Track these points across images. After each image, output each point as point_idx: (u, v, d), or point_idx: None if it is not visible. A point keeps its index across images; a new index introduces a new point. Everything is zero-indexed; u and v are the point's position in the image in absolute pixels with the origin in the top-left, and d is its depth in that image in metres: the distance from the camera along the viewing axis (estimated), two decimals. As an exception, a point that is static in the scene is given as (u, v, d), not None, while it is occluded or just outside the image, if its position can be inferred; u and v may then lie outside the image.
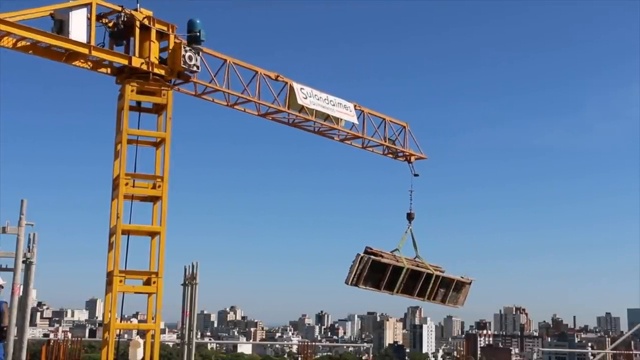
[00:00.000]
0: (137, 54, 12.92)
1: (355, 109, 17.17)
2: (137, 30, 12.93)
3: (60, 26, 11.82)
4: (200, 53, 13.58)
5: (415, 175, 18.69)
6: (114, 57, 12.77)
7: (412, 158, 18.93)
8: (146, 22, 13.00)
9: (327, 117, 16.44)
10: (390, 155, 18.77)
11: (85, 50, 12.18)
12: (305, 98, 15.77)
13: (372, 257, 17.12)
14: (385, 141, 18.12)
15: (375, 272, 17.31)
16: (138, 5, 12.98)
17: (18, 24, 11.23)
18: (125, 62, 12.82)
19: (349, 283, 16.87)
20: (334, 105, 16.46)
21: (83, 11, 12.09)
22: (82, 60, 12.63)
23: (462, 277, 19.36)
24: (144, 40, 13.04)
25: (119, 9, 12.75)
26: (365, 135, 17.75)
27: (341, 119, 16.80)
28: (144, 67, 12.98)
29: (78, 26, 11.95)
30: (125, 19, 12.74)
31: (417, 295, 18.23)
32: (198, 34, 13.46)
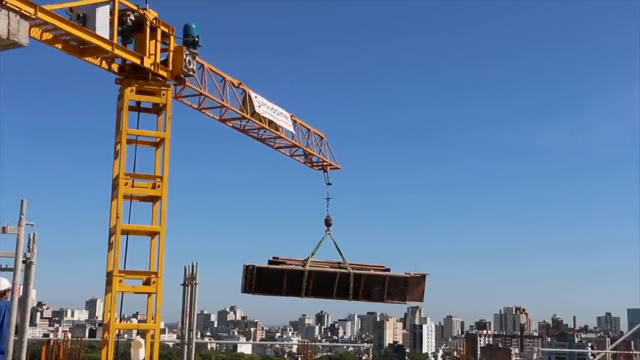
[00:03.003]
0: (147, 54, 12.95)
1: (290, 119, 17.79)
2: (148, 30, 12.92)
3: (84, 21, 11.76)
4: (196, 58, 13.72)
5: (328, 184, 19.55)
6: (129, 55, 12.69)
7: (328, 168, 19.73)
8: (154, 22, 13.03)
9: (269, 124, 16.98)
10: (309, 164, 19.56)
11: (108, 47, 12.09)
12: (259, 106, 16.28)
13: (257, 265, 17.40)
14: (314, 150, 18.89)
15: (276, 279, 17.60)
16: (147, 5, 12.97)
17: (59, 15, 11.12)
18: (138, 61, 12.79)
19: (242, 291, 17.40)
20: (278, 114, 17.07)
21: (107, 8, 12.05)
22: (94, 57, 12.55)
23: (407, 273, 18.86)
24: (150, 41, 13.04)
25: (135, 7, 12.74)
26: (301, 144, 18.33)
27: (282, 127, 17.39)
28: (153, 67, 13.02)
29: (103, 22, 11.89)
30: (134, 17, 12.73)
31: (337, 296, 18.26)
32: (197, 39, 13.57)
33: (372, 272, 18.55)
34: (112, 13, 12.15)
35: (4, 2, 9.62)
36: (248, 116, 16.08)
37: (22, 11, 9.96)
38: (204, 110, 15.51)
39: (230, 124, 16.49)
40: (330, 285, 17.99)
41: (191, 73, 13.70)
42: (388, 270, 18.89)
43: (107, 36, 11.97)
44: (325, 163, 19.55)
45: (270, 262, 17.88)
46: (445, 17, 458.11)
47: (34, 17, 10.38)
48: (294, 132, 17.87)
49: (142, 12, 12.73)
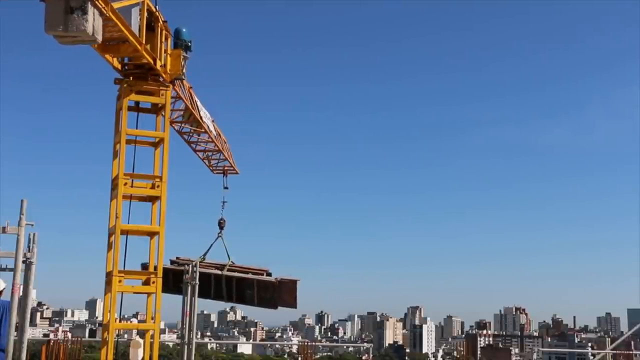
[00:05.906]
0: (158, 55, 13.00)
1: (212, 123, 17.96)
2: (159, 31, 12.98)
3: None
4: (187, 61, 13.84)
5: (225, 188, 19.73)
6: (148, 55, 12.65)
7: (228, 172, 19.96)
8: (162, 25, 13.07)
9: (206, 128, 17.26)
10: (211, 168, 19.72)
11: (139, 47, 12.06)
12: (201, 110, 16.52)
13: (146, 264, 17.72)
14: (229, 155, 19.11)
15: (164, 277, 17.87)
16: (157, 7, 12.99)
17: (120, 14, 11.10)
18: (152, 62, 12.80)
19: None
20: (208, 119, 17.30)
21: (137, 8, 12.10)
22: (112, 54, 12.55)
23: (276, 279, 18.50)
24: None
25: (154, 9, 12.77)
26: (223, 148, 18.46)
27: (212, 132, 17.62)
28: (161, 69, 13.07)
29: (135, 22, 11.94)
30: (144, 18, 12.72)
31: (215, 297, 18.37)
32: (189, 43, 13.72)
33: (245, 275, 18.45)
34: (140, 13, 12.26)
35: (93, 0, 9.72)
36: (200, 119, 16.30)
37: (102, 8, 10.07)
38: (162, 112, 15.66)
39: (176, 127, 16.69)
40: (208, 286, 18.06)
41: (183, 77, 13.91)
42: (270, 274, 18.66)
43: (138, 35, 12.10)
44: (226, 167, 19.73)
45: (171, 262, 18.27)
46: (447, 18, 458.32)
47: (107, 14, 10.41)
48: (215, 135, 18.10)
49: (157, 14, 12.78)
